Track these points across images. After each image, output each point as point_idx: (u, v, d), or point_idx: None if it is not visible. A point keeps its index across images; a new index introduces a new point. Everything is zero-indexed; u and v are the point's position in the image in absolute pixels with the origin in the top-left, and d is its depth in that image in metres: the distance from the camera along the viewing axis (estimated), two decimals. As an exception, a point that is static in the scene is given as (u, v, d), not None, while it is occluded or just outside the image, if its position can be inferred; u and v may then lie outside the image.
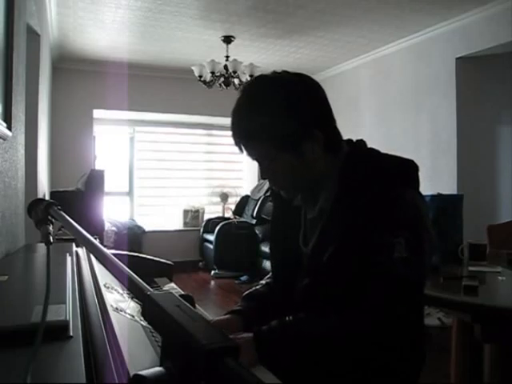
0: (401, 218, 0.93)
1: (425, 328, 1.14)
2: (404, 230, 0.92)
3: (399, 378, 1.01)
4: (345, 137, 1.09)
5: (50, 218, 0.83)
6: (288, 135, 0.96)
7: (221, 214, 6.34)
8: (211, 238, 5.63)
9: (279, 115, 0.96)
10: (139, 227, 5.82)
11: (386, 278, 0.91)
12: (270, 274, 1.25)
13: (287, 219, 1.15)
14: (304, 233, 1.11)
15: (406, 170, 1.01)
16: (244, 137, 0.99)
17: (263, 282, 1.24)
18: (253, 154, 1.01)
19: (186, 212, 6.34)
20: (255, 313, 1.12)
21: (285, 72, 1.02)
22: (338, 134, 1.05)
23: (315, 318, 0.95)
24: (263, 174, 1.03)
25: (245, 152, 1.02)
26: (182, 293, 1.22)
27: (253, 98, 1.00)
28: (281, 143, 0.96)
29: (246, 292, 1.20)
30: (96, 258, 0.76)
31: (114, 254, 0.64)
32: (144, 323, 0.89)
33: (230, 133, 1.02)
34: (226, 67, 4.49)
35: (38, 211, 0.85)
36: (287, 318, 0.95)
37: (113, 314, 0.83)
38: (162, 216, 6.33)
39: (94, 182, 3.26)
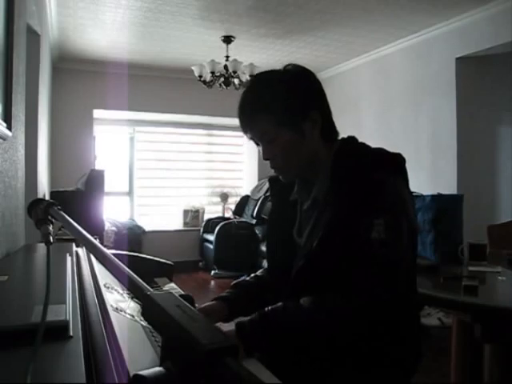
0: (381, 201, 0.97)
1: (419, 318, 1.15)
2: (384, 212, 0.95)
3: (393, 369, 1.01)
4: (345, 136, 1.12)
5: (50, 217, 0.83)
6: (290, 112, 1.02)
7: (221, 214, 6.34)
8: (211, 238, 5.63)
9: (282, 94, 1.03)
10: (139, 227, 5.81)
11: (364, 258, 0.94)
12: (262, 269, 1.29)
13: (284, 213, 1.19)
14: (299, 224, 1.14)
15: (392, 159, 1.06)
16: (249, 114, 1.06)
17: (253, 274, 1.27)
18: (256, 133, 1.07)
19: (186, 212, 6.34)
20: (241, 300, 1.15)
21: (290, 64, 1.11)
22: (333, 126, 1.11)
23: (293, 306, 0.97)
24: (264, 154, 1.08)
25: (249, 134, 1.08)
26: (182, 293, 1.22)
27: (260, 82, 1.10)
28: (282, 120, 1.03)
29: (235, 281, 1.24)
30: (96, 257, 0.76)
31: (114, 254, 0.64)
32: (144, 323, 0.89)
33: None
34: (225, 67, 4.49)
35: (38, 211, 0.85)
36: (266, 309, 0.97)
37: (113, 314, 0.82)
38: (162, 216, 6.32)
39: (94, 182, 3.26)
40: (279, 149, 1.05)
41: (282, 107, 1.02)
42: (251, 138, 1.10)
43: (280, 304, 0.98)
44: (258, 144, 1.10)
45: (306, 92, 1.06)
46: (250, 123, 1.07)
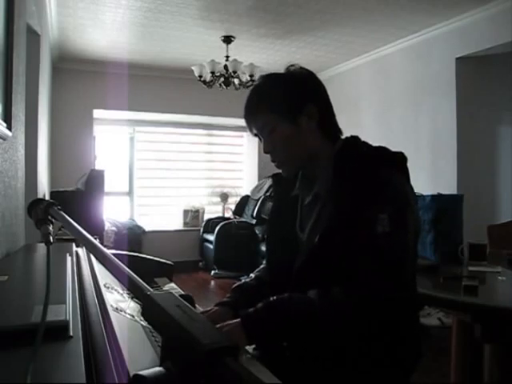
0: (385, 196, 0.98)
1: (419, 318, 1.15)
2: (388, 206, 0.96)
3: (393, 369, 1.01)
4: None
5: (50, 217, 0.83)
6: (287, 107, 1.09)
7: (221, 214, 6.34)
8: (211, 238, 5.62)
9: (280, 87, 1.11)
10: (139, 227, 5.81)
11: (369, 251, 0.94)
12: (261, 266, 1.30)
13: (286, 210, 1.21)
14: (300, 219, 1.16)
15: (394, 158, 1.08)
16: (251, 107, 1.13)
17: (252, 275, 1.27)
18: (258, 126, 1.13)
19: (186, 212, 6.34)
20: (243, 304, 1.14)
21: (293, 64, 1.17)
22: (335, 123, 1.15)
23: (299, 296, 0.98)
24: (265, 147, 1.13)
25: (253, 128, 1.14)
26: (182, 293, 1.22)
27: (263, 80, 1.17)
28: (280, 113, 1.09)
29: (235, 284, 1.25)
30: (96, 258, 0.76)
31: (114, 254, 0.64)
32: (144, 323, 0.89)
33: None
34: (225, 67, 4.49)
35: (38, 211, 0.85)
36: (272, 299, 0.98)
37: (113, 314, 0.82)
38: (162, 216, 6.32)
39: (94, 182, 3.25)
40: (278, 141, 1.10)
41: (279, 99, 1.09)
42: (255, 134, 1.15)
43: (286, 294, 0.98)
44: (261, 139, 1.15)
45: (304, 86, 1.11)
46: (252, 116, 1.13)
